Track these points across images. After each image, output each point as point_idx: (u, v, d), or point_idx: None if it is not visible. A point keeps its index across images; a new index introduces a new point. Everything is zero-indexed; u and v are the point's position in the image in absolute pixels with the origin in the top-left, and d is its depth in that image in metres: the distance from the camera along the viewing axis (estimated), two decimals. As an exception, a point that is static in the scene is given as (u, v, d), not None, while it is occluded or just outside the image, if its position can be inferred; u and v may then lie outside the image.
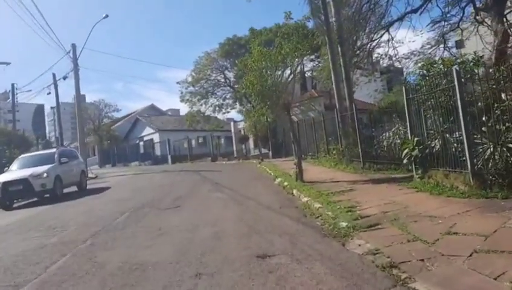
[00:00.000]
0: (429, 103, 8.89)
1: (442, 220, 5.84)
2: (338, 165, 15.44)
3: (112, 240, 6.78)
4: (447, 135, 8.49)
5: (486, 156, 7.31)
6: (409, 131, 9.91)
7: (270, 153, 31.86)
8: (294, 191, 10.79)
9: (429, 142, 9.03)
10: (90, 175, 26.87)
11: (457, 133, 8.07)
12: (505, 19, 16.59)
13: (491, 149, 7.29)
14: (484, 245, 4.51)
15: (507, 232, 4.94)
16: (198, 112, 35.96)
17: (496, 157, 7.09)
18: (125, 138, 51.33)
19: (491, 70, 7.60)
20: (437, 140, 8.78)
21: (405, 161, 9.45)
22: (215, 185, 13.66)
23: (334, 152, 16.13)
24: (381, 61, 29.29)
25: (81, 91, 27.60)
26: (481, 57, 9.69)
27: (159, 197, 11.81)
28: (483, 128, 7.40)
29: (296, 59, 29.44)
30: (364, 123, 16.37)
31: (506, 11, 17.32)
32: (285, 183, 12.41)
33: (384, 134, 13.57)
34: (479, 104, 7.42)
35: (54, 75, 28.69)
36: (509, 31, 16.93)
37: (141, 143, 48.04)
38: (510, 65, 6.96)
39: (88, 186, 17.77)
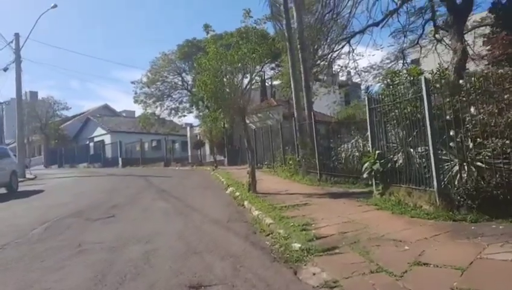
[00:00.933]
0: (393, 114, 8.28)
1: (409, 246, 5.09)
2: (294, 176, 14.70)
3: (16, 258, 5.55)
4: (411, 149, 7.88)
5: (453, 174, 6.71)
6: (370, 143, 9.28)
7: (226, 160, 30.88)
8: (246, 203, 9.89)
9: (391, 156, 8.40)
10: (28, 176, 24.83)
11: (422, 147, 7.46)
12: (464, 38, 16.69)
13: (458, 167, 6.71)
14: (462, 282, 3.75)
15: (485, 265, 4.23)
16: (152, 114, 34.38)
17: (464, 176, 6.50)
18: (74, 138, 48.70)
19: (461, 81, 7.04)
20: (400, 154, 8.16)
21: (365, 175, 8.78)
22: (161, 193, 12.51)
23: (290, 162, 15.40)
24: (340, 74, 29.29)
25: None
26: (446, 69, 9.25)
27: (94, 205, 10.52)
28: (451, 144, 6.80)
29: (257, 66, 28.82)
30: (323, 134, 15.81)
31: (464, 31, 17.43)
32: (237, 194, 11.50)
33: (342, 146, 12.97)
34: (447, 117, 6.83)
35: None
36: (467, 49, 17.05)
37: (91, 144, 45.66)
38: (483, 76, 6.41)
39: (21, 189, 16.03)
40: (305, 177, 13.58)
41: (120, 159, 38.22)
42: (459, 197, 6.34)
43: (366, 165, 8.63)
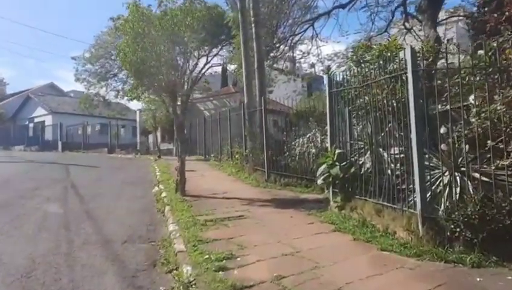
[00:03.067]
0: (361, 100, 6.15)
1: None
2: (240, 172, 12.45)
3: None
4: (382, 150, 5.79)
5: (443, 190, 4.65)
6: (328, 139, 7.14)
7: (174, 149, 28.25)
8: (167, 210, 7.57)
9: (356, 157, 6.30)
10: None
11: (398, 148, 5.38)
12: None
13: (452, 179, 4.66)
14: None
15: None
16: (97, 94, 30.99)
17: (463, 194, 4.45)
18: (12, 118, 44.27)
19: (468, 57, 4.92)
20: (367, 156, 6.07)
21: (320, 181, 6.61)
22: (66, 190, 9.91)
23: (237, 156, 13.13)
24: (302, 64, 27.21)
25: None
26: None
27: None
28: (442, 146, 4.71)
29: (205, 47, 26.19)
30: (278, 126, 13.63)
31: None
32: (163, 195, 9.14)
33: (297, 140, 10.82)
34: (440, 106, 4.73)
35: None
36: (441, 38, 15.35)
37: (31, 125, 41.59)
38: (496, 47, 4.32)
39: None
40: (252, 176, 11.36)
41: (60, 143, 34.70)
42: (453, 226, 4.27)
43: (322, 168, 6.47)
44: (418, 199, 4.62)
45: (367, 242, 4.99)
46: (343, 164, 6.20)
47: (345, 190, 6.25)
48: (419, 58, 4.77)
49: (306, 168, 9.99)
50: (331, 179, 6.36)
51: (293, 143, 10.96)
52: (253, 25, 12.63)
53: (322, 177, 6.51)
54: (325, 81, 7.24)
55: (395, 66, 5.26)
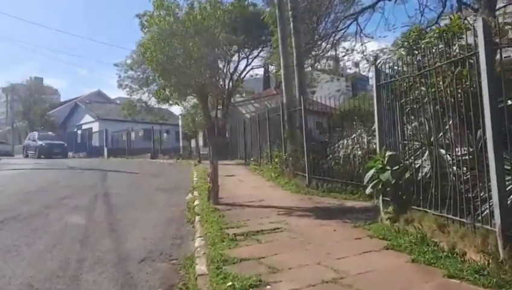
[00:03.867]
0: (416, 93, 5.16)
1: None
2: (280, 178, 11.62)
3: None
4: (442, 151, 4.79)
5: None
6: (377, 139, 6.18)
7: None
8: (196, 220, 6.90)
9: (411, 160, 5.31)
10: None
11: (464, 148, 4.37)
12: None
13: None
14: None
15: None
16: (139, 100, 31.17)
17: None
18: (62, 125, 45.81)
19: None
20: (425, 158, 5.07)
21: (368, 191, 5.66)
22: (96, 198, 9.44)
23: (276, 160, 12.31)
24: (345, 64, 25.93)
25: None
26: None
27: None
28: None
29: (246, 49, 25.61)
30: (322, 128, 12.64)
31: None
32: (196, 203, 8.50)
33: (341, 141, 9.87)
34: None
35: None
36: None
37: (79, 132, 42.78)
38: None
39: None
40: (292, 181, 10.50)
41: (106, 149, 35.30)
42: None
43: (370, 173, 5.52)
44: (496, 213, 3.61)
45: (429, 265, 4.02)
46: (396, 168, 5.23)
47: (398, 198, 5.28)
48: (494, 34, 3.75)
49: (351, 172, 9.04)
50: (381, 186, 5.41)
51: (336, 145, 10.02)
52: (291, 20, 11.78)
53: (371, 184, 5.55)
54: (372, 73, 6.28)
55: (459, 46, 4.26)
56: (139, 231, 6.37)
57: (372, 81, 6.22)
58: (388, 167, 5.29)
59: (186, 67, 8.17)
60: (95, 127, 40.42)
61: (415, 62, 5.16)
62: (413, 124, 5.39)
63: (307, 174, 9.77)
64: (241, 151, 21.59)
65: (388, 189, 5.38)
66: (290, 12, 11.78)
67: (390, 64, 5.85)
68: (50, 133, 37.48)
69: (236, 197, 9.06)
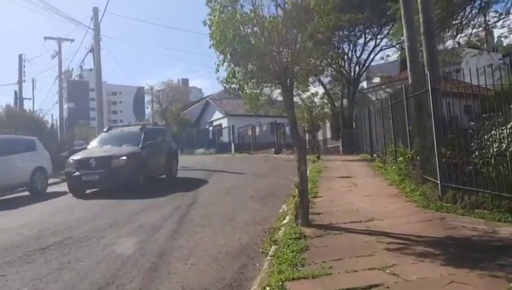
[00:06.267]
0: None
1: None
2: (405, 182, 8.94)
3: None
4: None
5: None
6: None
7: (341, 147, 25.33)
8: (270, 254, 4.99)
9: None
10: None
11: None
12: None
13: None
14: None
15: None
16: (261, 93, 30.14)
17: None
18: (196, 123, 47.89)
19: None
20: None
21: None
22: (174, 211, 8.11)
23: (400, 158, 9.58)
24: (498, 31, 20.87)
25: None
26: None
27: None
28: None
29: (374, 28, 22.28)
30: (474, 114, 9.42)
31: None
32: (286, 220, 6.58)
33: (493, 132, 6.86)
34: None
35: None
36: None
37: (210, 128, 44.11)
38: None
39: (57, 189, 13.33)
40: (419, 189, 7.78)
41: (233, 145, 35.42)
42: None
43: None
44: None
45: None
46: None
47: None
48: None
49: (509, 178, 6.05)
50: None
51: (485, 137, 7.03)
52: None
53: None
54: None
55: None
56: (188, 268, 4.71)
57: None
58: None
59: (265, 45, 6.24)
60: (224, 123, 41.13)
61: None
62: None
63: (438, 181, 6.99)
64: (366, 145, 18.82)
65: None
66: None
67: None
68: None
69: (339, 212, 6.86)
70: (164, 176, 14.21)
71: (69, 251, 5.69)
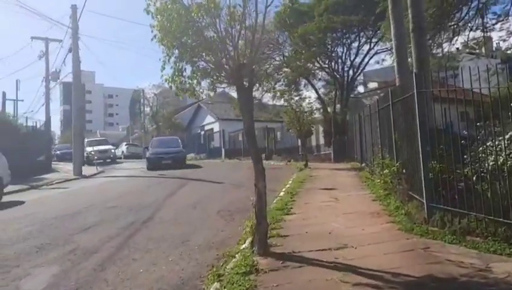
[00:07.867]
0: None
1: None
2: (390, 197, 7.96)
3: None
4: None
5: None
6: None
7: (332, 154, 24.33)
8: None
9: None
10: (89, 172, 21.55)
11: None
12: None
13: None
14: None
15: None
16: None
17: None
18: (187, 127, 46.87)
19: None
20: None
21: None
22: (123, 231, 7.06)
23: (386, 171, 8.57)
24: (497, 35, 19.94)
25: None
26: None
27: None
28: None
29: (369, 31, 21.36)
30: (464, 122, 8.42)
31: None
32: (245, 245, 5.55)
33: (489, 143, 5.89)
34: None
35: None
36: None
37: (202, 133, 43.09)
38: None
39: (23, 197, 12.21)
40: (405, 206, 6.77)
41: (223, 150, 34.37)
42: None
43: None
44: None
45: None
46: None
47: None
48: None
49: (506, 197, 5.04)
50: None
51: (480, 149, 6.05)
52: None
53: None
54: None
55: None
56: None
57: None
58: None
59: (219, 41, 5.23)
60: (216, 127, 40.08)
61: None
62: None
63: (424, 200, 5.98)
64: (357, 153, 17.83)
65: None
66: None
67: None
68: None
69: (308, 235, 5.85)
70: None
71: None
